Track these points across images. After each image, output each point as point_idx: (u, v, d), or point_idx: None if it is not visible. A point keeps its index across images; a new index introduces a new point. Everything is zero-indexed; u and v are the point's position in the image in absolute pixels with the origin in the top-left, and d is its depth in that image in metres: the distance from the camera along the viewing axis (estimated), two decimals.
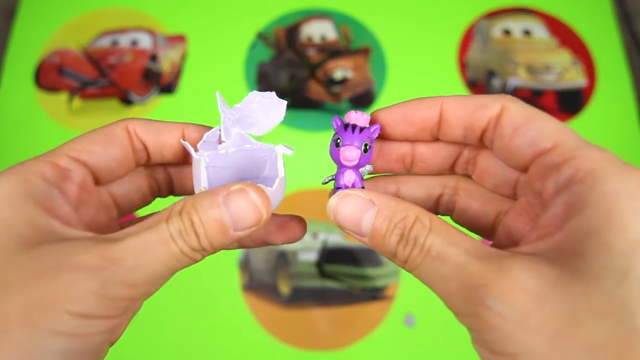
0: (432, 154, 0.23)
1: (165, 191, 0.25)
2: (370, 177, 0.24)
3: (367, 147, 0.22)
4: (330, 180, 0.23)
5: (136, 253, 0.17)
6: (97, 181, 0.22)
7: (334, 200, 0.20)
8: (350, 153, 0.22)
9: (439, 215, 0.24)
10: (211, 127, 0.23)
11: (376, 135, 0.23)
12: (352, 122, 0.22)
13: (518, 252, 0.17)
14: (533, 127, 0.19)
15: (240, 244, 0.24)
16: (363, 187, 0.23)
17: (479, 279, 0.16)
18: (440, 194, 0.24)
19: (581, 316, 0.15)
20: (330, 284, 0.53)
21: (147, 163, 0.24)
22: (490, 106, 0.20)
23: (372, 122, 0.23)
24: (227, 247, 0.20)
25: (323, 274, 0.53)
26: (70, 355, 0.17)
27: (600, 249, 0.15)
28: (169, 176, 0.25)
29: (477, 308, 0.16)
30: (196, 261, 0.19)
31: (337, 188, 0.22)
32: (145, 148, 0.23)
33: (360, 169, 0.23)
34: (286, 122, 0.59)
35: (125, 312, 0.18)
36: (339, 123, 0.23)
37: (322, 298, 0.52)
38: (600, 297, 0.15)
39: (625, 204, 0.15)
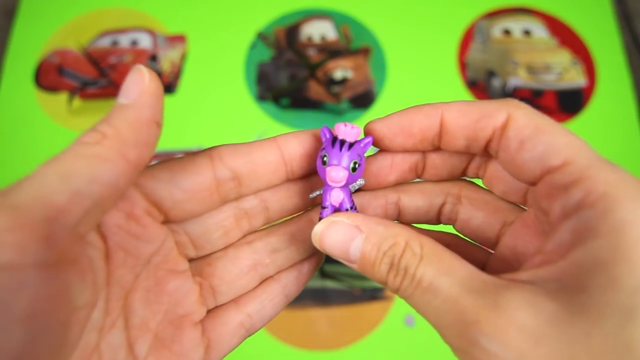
0: (442, 160, 0.21)
1: (259, 222, 0.22)
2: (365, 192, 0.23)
3: (357, 165, 0.20)
4: (318, 195, 0.22)
5: (24, 181, 0.15)
6: (166, 216, 0.19)
7: (319, 227, 0.19)
8: (337, 174, 0.20)
9: (441, 225, 0.23)
10: (303, 131, 0.21)
11: (367, 149, 0.21)
12: (340, 136, 0.20)
13: (517, 280, 0.16)
14: (542, 141, 0.17)
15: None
16: (352, 207, 0.21)
17: (473, 315, 0.15)
18: (443, 202, 0.22)
19: (580, 358, 0.14)
20: (330, 284, 0.53)
21: (238, 197, 0.21)
22: (495, 115, 0.18)
23: (367, 134, 0.21)
24: None
25: (323, 274, 0.53)
26: None
27: (606, 285, 0.14)
28: (262, 202, 0.22)
29: (470, 347, 0.15)
30: (107, 159, 0.16)
31: (323, 208, 0.21)
32: (236, 176, 0.20)
33: (350, 185, 0.21)
34: (286, 122, 0.59)
35: (46, 257, 0.14)
36: (327, 136, 0.20)
37: (322, 298, 0.52)
38: (603, 338, 0.14)
39: (638, 236, 0.14)
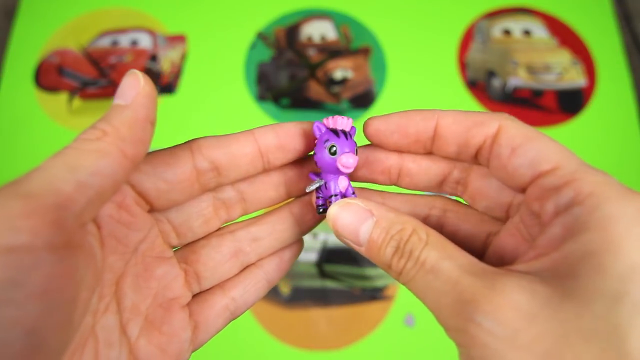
0: (419, 169, 0.23)
1: (236, 212, 0.24)
2: (357, 188, 0.24)
3: (357, 152, 0.22)
4: (317, 188, 0.23)
5: (32, 172, 0.16)
6: (151, 206, 0.20)
7: (334, 208, 0.20)
8: (349, 160, 0.21)
9: None
10: (279, 124, 0.22)
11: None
12: (339, 127, 0.22)
13: (512, 270, 0.17)
14: (532, 148, 0.18)
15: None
16: (353, 193, 0.23)
17: (471, 294, 0.16)
18: (427, 214, 0.23)
19: (571, 337, 0.15)
20: (330, 284, 0.53)
21: (218, 185, 0.22)
22: (487, 124, 0.20)
23: (365, 128, 0.22)
24: None
25: (323, 274, 0.53)
26: None
27: (595, 272, 0.15)
28: (239, 193, 0.23)
29: (466, 323, 0.16)
30: (113, 153, 0.17)
31: (333, 196, 0.22)
32: (215, 167, 0.21)
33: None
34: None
35: (55, 239, 0.15)
36: (323, 129, 0.22)
37: (322, 298, 0.52)
38: (592, 320, 0.15)
39: (624, 229, 0.15)
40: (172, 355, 0.21)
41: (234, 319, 0.24)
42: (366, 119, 0.22)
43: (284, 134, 0.22)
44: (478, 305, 0.16)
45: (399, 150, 0.22)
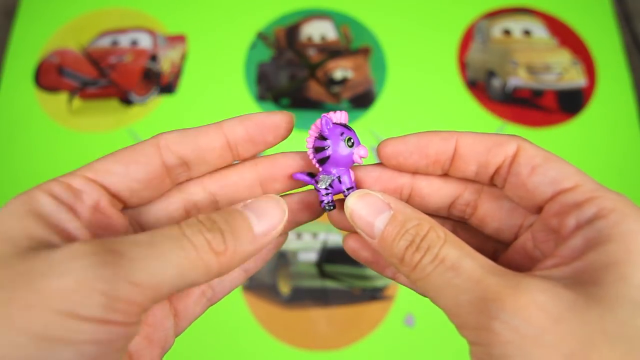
0: (431, 189, 0.23)
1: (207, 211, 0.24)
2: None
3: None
4: (332, 182, 0.22)
5: (142, 246, 0.16)
6: (125, 204, 0.21)
7: (352, 198, 0.21)
8: (366, 151, 0.22)
9: None
10: (247, 116, 0.22)
11: None
12: (343, 121, 0.22)
13: (533, 275, 0.17)
14: (552, 167, 0.19)
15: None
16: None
17: (495, 293, 0.16)
18: None
19: (596, 340, 0.15)
20: (330, 284, 0.53)
21: (188, 179, 0.22)
22: (506, 144, 0.20)
23: (381, 150, 0.22)
24: (252, 254, 0.19)
25: (323, 274, 0.53)
26: None
27: (618, 280, 0.16)
28: (211, 195, 0.23)
29: (490, 321, 0.16)
30: (210, 276, 0.17)
31: (349, 189, 0.22)
32: (184, 162, 0.21)
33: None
34: None
35: (128, 320, 0.16)
36: (330, 124, 0.22)
37: (322, 298, 0.52)
38: (616, 324, 0.15)
39: None
40: (159, 343, 0.22)
41: (212, 305, 0.24)
42: (367, 121, 0.22)
43: (252, 127, 0.22)
44: (504, 303, 0.16)
45: (416, 172, 0.22)
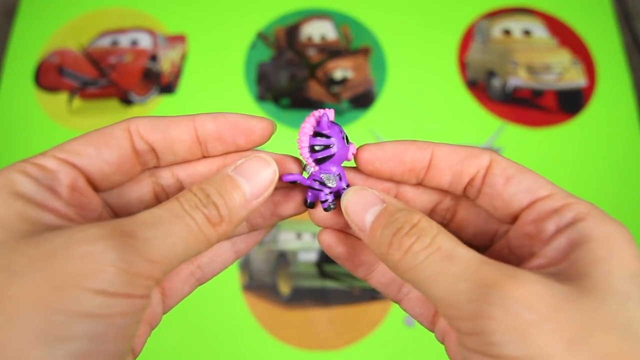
0: (415, 194, 0.23)
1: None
2: None
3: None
4: (309, 187, 0.22)
5: (151, 226, 0.17)
6: (95, 187, 0.21)
7: (349, 193, 0.21)
8: (355, 149, 0.22)
9: None
10: (221, 114, 0.22)
11: None
12: (332, 119, 0.22)
13: (525, 268, 0.18)
14: (526, 177, 0.20)
15: (251, 223, 0.24)
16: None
17: (494, 281, 0.17)
18: None
19: (593, 327, 0.16)
20: (330, 284, 0.53)
21: (157, 166, 0.22)
22: (480, 156, 0.21)
23: (359, 154, 0.22)
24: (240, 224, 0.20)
25: (323, 274, 0.53)
26: (94, 339, 0.16)
27: (605, 274, 0.17)
28: (179, 182, 0.23)
29: (491, 308, 0.16)
30: (211, 245, 0.19)
31: (347, 186, 0.22)
32: (153, 149, 0.21)
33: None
34: (286, 122, 0.59)
35: (146, 292, 0.17)
36: (327, 120, 0.22)
37: (322, 298, 0.52)
38: (608, 313, 0.16)
39: (623, 243, 0.18)
40: (147, 321, 0.22)
41: (200, 285, 0.25)
42: (367, 121, 0.22)
43: (224, 125, 0.21)
44: (504, 290, 0.16)
45: (390, 180, 0.23)
